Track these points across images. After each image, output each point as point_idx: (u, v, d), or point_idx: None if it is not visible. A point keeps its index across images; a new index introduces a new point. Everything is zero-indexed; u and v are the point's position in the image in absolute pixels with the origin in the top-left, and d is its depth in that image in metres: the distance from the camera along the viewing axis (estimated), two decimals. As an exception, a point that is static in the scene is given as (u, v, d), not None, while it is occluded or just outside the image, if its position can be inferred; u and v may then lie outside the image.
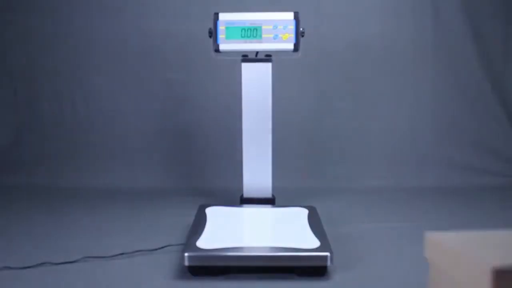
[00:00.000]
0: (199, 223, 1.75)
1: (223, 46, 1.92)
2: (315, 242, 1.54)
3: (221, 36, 1.91)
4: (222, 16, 1.91)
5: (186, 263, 1.48)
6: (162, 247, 1.73)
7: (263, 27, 1.90)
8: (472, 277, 0.57)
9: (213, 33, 1.91)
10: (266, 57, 1.99)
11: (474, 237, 0.76)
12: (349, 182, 2.69)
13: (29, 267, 1.58)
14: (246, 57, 1.98)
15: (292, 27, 1.90)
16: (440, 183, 2.71)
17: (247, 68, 1.98)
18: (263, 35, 1.90)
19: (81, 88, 2.90)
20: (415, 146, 2.85)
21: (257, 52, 1.98)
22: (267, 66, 1.98)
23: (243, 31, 1.91)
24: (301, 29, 1.90)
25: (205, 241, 1.56)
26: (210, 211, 1.90)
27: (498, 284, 0.56)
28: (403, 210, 2.28)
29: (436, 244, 0.74)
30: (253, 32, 1.90)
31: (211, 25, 1.92)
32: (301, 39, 1.92)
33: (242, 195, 2.08)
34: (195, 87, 2.83)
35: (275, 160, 2.07)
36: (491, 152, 2.85)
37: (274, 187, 2.09)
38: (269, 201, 2.06)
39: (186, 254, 1.48)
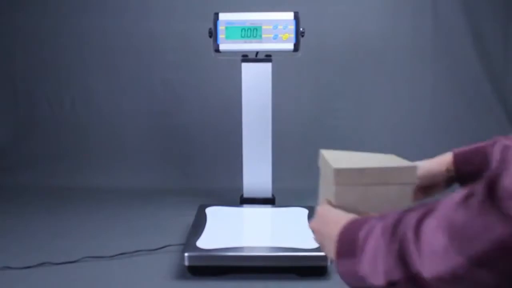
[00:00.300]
0: (199, 223, 1.75)
1: (223, 46, 1.92)
2: (315, 242, 1.54)
3: (221, 36, 1.91)
4: (222, 16, 1.91)
5: (186, 263, 1.48)
6: (162, 247, 1.73)
7: (263, 27, 1.90)
8: (330, 175, 0.96)
9: (213, 33, 1.91)
10: (266, 57, 1.98)
11: (345, 154, 1.17)
12: (349, 182, 2.68)
13: (29, 267, 1.58)
14: (246, 57, 1.98)
15: (292, 27, 1.90)
16: (440, 183, 2.70)
17: (247, 68, 1.98)
18: (263, 35, 1.90)
19: (81, 88, 2.90)
20: (415, 146, 2.85)
21: (257, 52, 1.98)
22: (267, 66, 1.98)
23: (243, 31, 1.90)
24: (301, 29, 1.90)
25: (205, 241, 1.56)
26: (210, 211, 1.90)
27: (339, 178, 0.95)
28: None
29: (322, 156, 1.11)
30: (253, 32, 1.90)
31: (211, 25, 1.92)
32: (301, 39, 1.91)
33: (242, 195, 2.08)
34: (195, 87, 2.83)
35: (275, 160, 2.07)
36: (491, 152, 2.85)
37: (274, 187, 2.09)
38: (269, 201, 2.05)
39: (186, 254, 1.48)
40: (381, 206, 1.00)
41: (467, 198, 0.48)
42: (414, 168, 1.05)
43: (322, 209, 0.83)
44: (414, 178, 1.02)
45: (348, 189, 1.01)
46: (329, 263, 1.48)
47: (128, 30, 2.83)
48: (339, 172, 0.98)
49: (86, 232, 1.96)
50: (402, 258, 0.54)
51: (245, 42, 1.91)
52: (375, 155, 1.19)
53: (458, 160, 0.95)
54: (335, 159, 1.11)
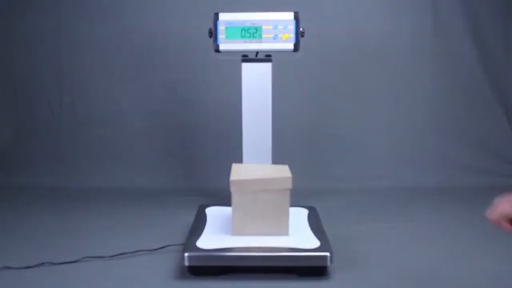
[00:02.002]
0: (199, 223, 1.75)
1: (223, 46, 1.92)
2: (315, 242, 1.54)
3: (221, 36, 1.91)
4: (222, 16, 1.91)
5: (186, 263, 1.48)
6: (162, 247, 1.73)
7: (263, 27, 1.90)
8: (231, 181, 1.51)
9: (213, 33, 1.91)
10: (266, 57, 1.99)
11: (248, 167, 1.71)
12: (349, 182, 2.69)
13: (29, 267, 1.58)
14: (246, 57, 1.98)
15: (292, 27, 1.90)
16: (440, 183, 2.71)
17: (247, 68, 1.98)
18: (263, 35, 1.90)
19: (81, 88, 2.89)
20: (415, 146, 2.85)
21: (257, 52, 1.98)
22: (267, 66, 1.98)
23: (243, 31, 1.90)
24: (301, 29, 1.90)
25: (205, 241, 1.56)
26: (210, 211, 1.90)
27: (233, 186, 1.52)
28: (403, 210, 2.28)
29: (233, 168, 1.63)
30: (253, 32, 1.90)
31: (211, 25, 1.92)
32: (301, 39, 1.91)
33: (242, 195, 2.08)
34: (195, 87, 2.83)
35: (275, 160, 2.07)
36: (491, 152, 2.85)
37: (274, 187, 2.08)
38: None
39: (186, 254, 1.48)
40: (267, 208, 1.56)
41: None
42: (288, 178, 1.55)
43: None
44: (289, 185, 1.55)
45: (241, 195, 1.53)
46: (329, 263, 1.48)
47: (128, 30, 2.83)
48: (232, 183, 1.53)
49: (86, 232, 1.96)
50: None
51: (245, 42, 1.91)
52: (272, 167, 1.72)
53: None
54: (236, 172, 1.61)
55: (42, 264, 1.60)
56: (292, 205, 1.89)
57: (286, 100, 2.75)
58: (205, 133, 2.82)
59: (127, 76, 2.87)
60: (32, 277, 1.52)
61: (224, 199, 2.00)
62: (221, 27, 1.90)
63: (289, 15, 1.91)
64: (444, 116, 2.89)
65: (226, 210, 1.89)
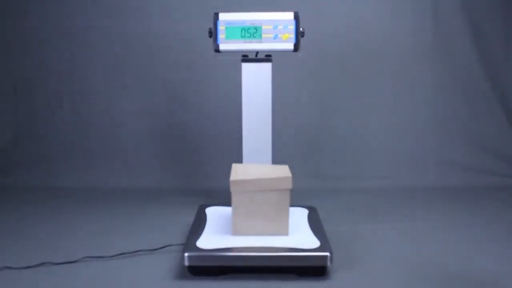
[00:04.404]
0: (199, 223, 1.75)
1: (223, 46, 1.92)
2: (315, 242, 1.54)
3: (221, 36, 1.91)
4: (222, 16, 1.91)
5: (186, 263, 1.48)
6: (162, 247, 1.73)
7: (263, 27, 1.90)
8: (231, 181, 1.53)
9: (213, 33, 1.91)
10: (266, 57, 1.99)
11: (248, 167, 1.70)
12: (349, 182, 2.69)
13: (29, 267, 1.58)
14: (246, 57, 1.98)
15: (292, 27, 1.90)
16: (440, 183, 2.71)
17: (247, 68, 1.98)
18: (263, 35, 1.90)
19: (81, 88, 2.90)
20: (415, 146, 2.85)
21: (257, 52, 1.98)
22: (267, 66, 1.98)
23: (243, 31, 1.91)
24: (301, 29, 1.90)
25: (205, 241, 1.56)
26: (210, 211, 1.90)
27: (233, 187, 1.53)
28: (403, 210, 2.28)
29: (233, 168, 1.64)
30: (253, 32, 1.90)
31: (211, 25, 1.92)
32: (301, 39, 1.92)
33: (242, 195, 2.08)
34: (195, 87, 2.83)
35: (275, 160, 2.07)
36: (490, 152, 2.85)
37: (274, 187, 2.08)
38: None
39: (186, 254, 1.48)
40: (267, 208, 1.56)
41: None
42: (288, 178, 1.54)
43: None
44: (289, 185, 1.54)
45: (241, 195, 1.53)
46: (329, 263, 1.48)
47: (128, 30, 2.83)
48: (232, 183, 1.53)
49: (86, 232, 1.96)
50: None
51: (245, 42, 1.91)
52: (272, 167, 1.71)
53: None
54: (236, 172, 1.61)
55: (42, 264, 1.60)
56: (292, 205, 1.90)
57: (286, 100, 2.76)
58: (205, 133, 2.82)
59: (127, 76, 2.87)
60: (32, 277, 1.52)
61: (224, 199, 2.00)
62: (221, 27, 1.90)
63: (289, 15, 1.91)
64: (444, 116, 2.89)
65: (226, 210, 1.89)
